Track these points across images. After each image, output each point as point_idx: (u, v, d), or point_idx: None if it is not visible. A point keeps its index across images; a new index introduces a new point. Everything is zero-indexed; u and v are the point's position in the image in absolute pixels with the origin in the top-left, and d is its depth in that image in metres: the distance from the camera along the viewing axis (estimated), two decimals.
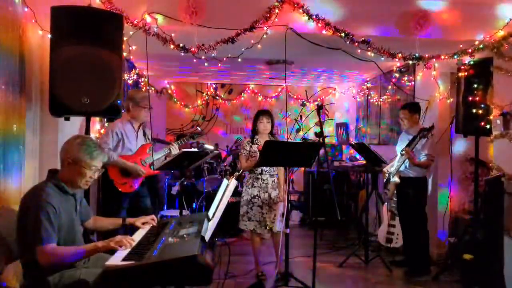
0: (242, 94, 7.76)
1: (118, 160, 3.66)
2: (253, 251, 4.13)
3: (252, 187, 4.04)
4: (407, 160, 4.21)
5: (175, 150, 4.00)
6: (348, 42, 3.64)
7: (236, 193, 5.42)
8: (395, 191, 4.41)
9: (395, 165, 4.34)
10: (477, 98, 3.90)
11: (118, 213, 3.56)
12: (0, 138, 2.61)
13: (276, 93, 7.83)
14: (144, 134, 3.97)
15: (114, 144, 3.71)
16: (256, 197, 4.00)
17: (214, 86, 7.69)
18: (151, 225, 2.69)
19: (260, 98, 7.79)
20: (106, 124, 4.14)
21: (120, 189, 3.68)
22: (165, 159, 4.03)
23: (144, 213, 3.40)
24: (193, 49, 3.57)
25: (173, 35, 3.51)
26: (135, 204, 3.81)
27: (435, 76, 4.65)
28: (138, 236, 2.44)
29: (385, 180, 4.53)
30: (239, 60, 3.92)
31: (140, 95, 3.89)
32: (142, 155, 3.82)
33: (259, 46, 3.68)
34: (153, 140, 4.30)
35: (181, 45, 3.56)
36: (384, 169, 4.58)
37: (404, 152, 4.19)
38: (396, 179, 4.31)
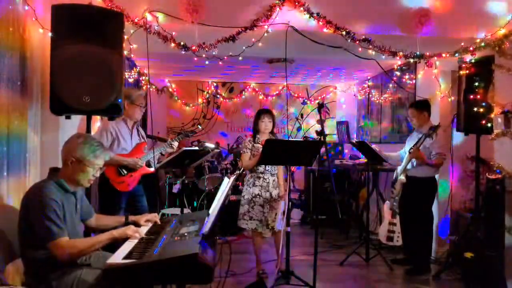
0: (243, 93, 7.76)
1: (115, 156, 3.57)
2: (254, 250, 4.13)
3: (253, 186, 4.04)
4: (413, 159, 4.19)
5: (175, 146, 3.99)
6: (349, 41, 3.63)
7: (237, 191, 5.43)
8: (401, 190, 4.36)
9: (403, 163, 4.33)
10: (478, 96, 3.89)
11: (116, 213, 3.53)
12: (1, 137, 2.62)
13: (277, 92, 7.83)
14: (138, 133, 3.93)
15: (109, 143, 3.63)
16: (258, 196, 4.00)
17: (215, 84, 7.69)
18: (153, 223, 2.70)
19: (261, 97, 7.80)
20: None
21: (117, 188, 3.65)
22: (162, 155, 4.02)
23: (141, 212, 3.40)
24: (193, 47, 3.57)
25: (173, 33, 3.51)
26: (132, 203, 3.79)
27: (436, 75, 4.64)
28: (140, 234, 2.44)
29: (393, 178, 4.50)
30: (240, 58, 3.91)
31: (136, 93, 3.84)
32: (137, 154, 3.77)
33: (259, 44, 3.68)
34: (153, 138, 4.30)
35: (181, 43, 3.55)
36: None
37: (412, 151, 4.16)
38: (402, 177, 4.29)
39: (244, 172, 4.56)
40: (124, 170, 3.67)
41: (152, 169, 3.88)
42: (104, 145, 2.48)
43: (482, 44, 3.71)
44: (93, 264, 2.37)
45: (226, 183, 2.64)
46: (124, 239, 2.31)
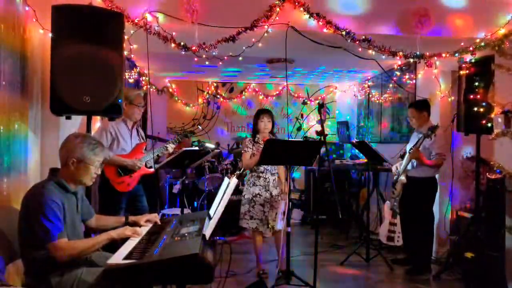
0: (243, 93, 7.76)
1: (114, 157, 3.59)
2: (254, 249, 4.13)
3: (254, 186, 4.04)
4: (413, 159, 4.19)
5: (170, 149, 3.99)
6: (349, 41, 3.63)
7: (237, 191, 5.44)
8: (401, 191, 4.36)
9: (403, 164, 4.32)
10: (479, 96, 3.89)
11: (116, 213, 3.53)
12: (2, 137, 2.62)
13: (277, 92, 7.83)
14: (138, 133, 3.94)
15: (108, 143, 3.63)
16: (258, 195, 4.00)
17: (215, 84, 7.69)
18: (153, 223, 2.70)
19: (261, 97, 7.80)
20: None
21: (117, 188, 3.65)
22: (158, 157, 4.02)
23: (142, 213, 3.41)
24: (193, 47, 3.57)
25: (174, 33, 3.51)
26: (132, 203, 3.79)
27: (436, 74, 4.64)
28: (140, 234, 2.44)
29: (394, 178, 4.49)
30: (240, 58, 3.91)
31: (134, 94, 3.84)
32: (137, 154, 3.78)
33: (260, 44, 3.68)
34: (153, 139, 4.30)
35: (182, 43, 3.56)
36: (393, 168, 4.55)
37: (411, 151, 4.15)
38: (402, 178, 4.28)
39: (244, 172, 4.57)
40: (123, 171, 3.68)
41: (152, 170, 3.88)
42: (102, 143, 2.49)
43: (482, 44, 3.70)
44: (96, 261, 2.38)
45: (226, 184, 2.64)
46: (123, 240, 2.31)
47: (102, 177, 3.57)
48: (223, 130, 7.79)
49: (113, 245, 2.31)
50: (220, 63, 4.02)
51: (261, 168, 4.04)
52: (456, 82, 4.35)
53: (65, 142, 2.37)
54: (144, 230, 2.53)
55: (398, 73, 5.35)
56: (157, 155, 3.98)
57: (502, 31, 3.66)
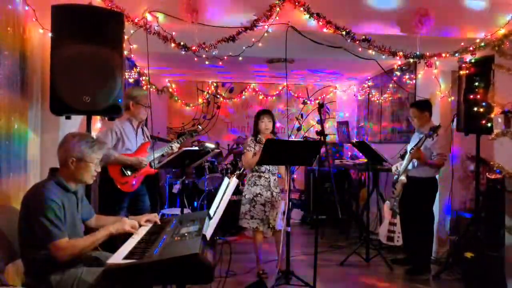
0: (243, 93, 7.76)
1: (119, 156, 3.61)
2: (254, 249, 4.13)
3: (255, 186, 4.04)
4: (414, 159, 4.19)
5: (175, 148, 4.00)
6: (349, 40, 3.63)
7: (237, 191, 5.44)
8: (401, 191, 4.35)
9: (403, 164, 4.32)
10: (478, 96, 3.89)
11: (117, 213, 3.53)
12: (2, 137, 2.62)
13: (277, 92, 7.83)
14: (143, 132, 3.95)
15: (113, 143, 3.65)
16: (259, 195, 4.00)
17: (215, 84, 7.69)
18: (153, 223, 2.70)
19: (261, 97, 7.80)
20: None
21: (121, 188, 3.65)
22: (162, 157, 4.04)
23: (143, 212, 3.42)
24: (193, 47, 3.57)
25: (174, 33, 3.51)
26: (135, 203, 3.80)
27: (436, 75, 4.64)
28: (140, 233, 2.44)
29: (394, 178, 4.49)
30: (240, 58, 3.92)
31: (140, 93, 3.87)
32: (141, 154, 3.78)
33: (259, 44, 3.68)
34: (153, 138, 4.30)
35: (182, 43, 3.56)
36: (393, 168, 4.55)
37: (412, 151, 4.15)
38: (403, 178, 4.28)
39: (244, 172, 4.56)
40: (128, 171, 3.68)
41: (154, 170, 3.89)
42: (99, 140, 2.49)
43: (482, 44, 3.71)
44: (93, 264, 2.38)
45: (226, 184, 2.64)
46: (122, 237, 2.31)
47: (104, 175, 3.58)
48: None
49: (113, 245, 2.31)
50: (220, 63, 4.02)
51: (263, 168, 4.05)
52: (456, 82, 4.35)
53: (63, 142, 2.37)
54: (144, 230, 2.53)
55: (398, 73, 5.35)
56: (162, 155, 4.00)
57: (502, 31, 3.67)
